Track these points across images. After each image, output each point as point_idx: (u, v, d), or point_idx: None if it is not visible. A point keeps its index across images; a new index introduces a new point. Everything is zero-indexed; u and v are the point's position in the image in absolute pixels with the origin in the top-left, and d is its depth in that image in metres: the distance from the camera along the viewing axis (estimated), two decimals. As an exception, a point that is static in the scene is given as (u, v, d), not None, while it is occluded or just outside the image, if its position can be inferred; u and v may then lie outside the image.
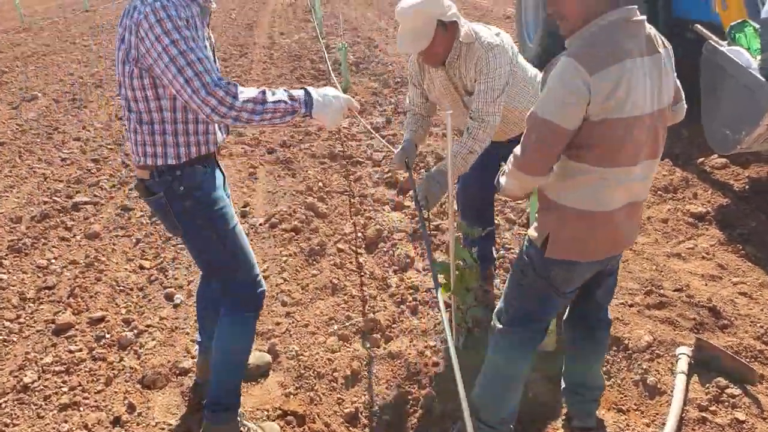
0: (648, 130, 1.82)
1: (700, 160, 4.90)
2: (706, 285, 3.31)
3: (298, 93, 2.00)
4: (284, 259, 3.90)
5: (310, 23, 14.59)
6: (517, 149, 1.87)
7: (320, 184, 4.99)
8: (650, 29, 1.83)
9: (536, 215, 2.06)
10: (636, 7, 1.80)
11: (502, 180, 2.01)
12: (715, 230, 3.88)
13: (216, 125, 2.24)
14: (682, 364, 2.68)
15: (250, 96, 1.89)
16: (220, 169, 2.41)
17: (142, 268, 3.95)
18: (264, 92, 1.92)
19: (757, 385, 2.58)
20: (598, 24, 1.77)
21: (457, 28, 2.63)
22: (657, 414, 2.53)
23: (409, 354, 2.96)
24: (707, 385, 2.61)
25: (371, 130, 5.16)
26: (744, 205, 4.16)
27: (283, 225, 4.31)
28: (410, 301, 3.40)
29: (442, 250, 3.88)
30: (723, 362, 2.65)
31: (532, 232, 2.06)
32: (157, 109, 2.03)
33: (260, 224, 4.39)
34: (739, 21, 4.21)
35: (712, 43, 4.34)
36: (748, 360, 2.72)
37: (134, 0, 1.96)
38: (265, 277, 3.69)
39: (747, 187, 4.44)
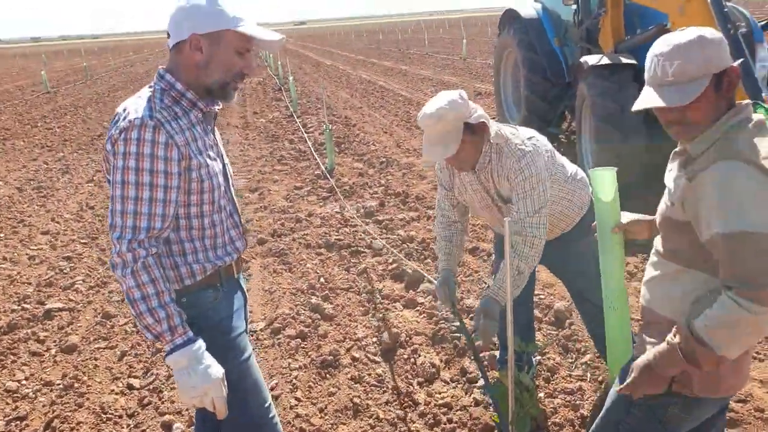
0: None
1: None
2: (768, 391, 3.03)
3: (183, 331, 1.71)
4: (294, 373, 3.47)
5: (282, 102, 14.58)
6: (741, 281, 1.45)
7: (322, 279, 4.63)
8: None
9: (648, 338, 1.74)
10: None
11: (724, 329, 1.48)
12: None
13: (232, 232, 1.97)
14: None
15: (140, 282, 1.67)
16: (241, 289, 2.07)
17: (131, 388, 3.45)
18: (158, 294, 1.68)
19: None
20: (729, 123, 1.55)
21: (485, 129, 2.44)
22: None
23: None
24: None
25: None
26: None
27: (287, 330, 3.90)
28: (444, 423, 3.01)
29: (469, 357, 3.52)
30: None
31: None
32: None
33: (261, 330, 3.97)
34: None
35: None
36: None
37: (125, 102, 1.76)
38: (276, 398, 3.25)
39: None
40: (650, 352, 1.62)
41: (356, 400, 3.21)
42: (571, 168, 2.75)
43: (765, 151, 1.48)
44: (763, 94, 4.36)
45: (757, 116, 1.59)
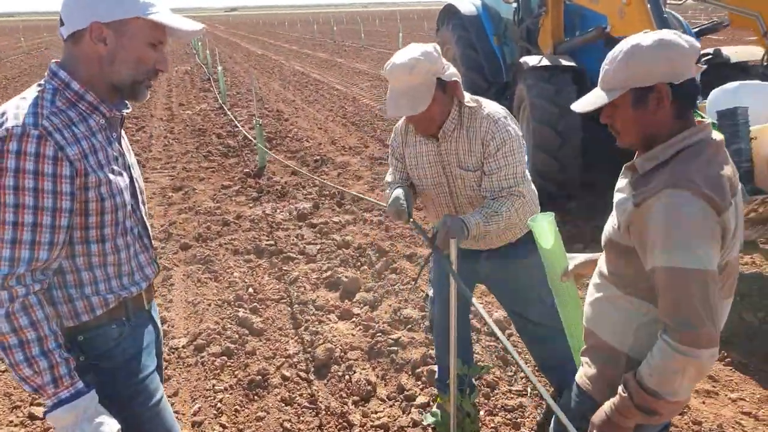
0: (735, 269, 1.53)
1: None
2: (704, 403, 3.02)
3: (70, 382, 1.45)
4: (218, 395, 3.20)
5: (211, 93, 14.00)
6: (675, 320, 1.38)
7: (251, 290, 4.34)
8: None
9: (589, 361, 1.66)
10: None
11: (667, 376, 1.39)
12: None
13: (141, 257, 1.71)
14: None
15: (17, 326, 1.39)
16: (153, 321, 1.81)
17: (32, 418, 3.09)
18: (40, 340, 1.41)
19: None
20: (682, 144, 1.45)
21: (458, 89, 2.25)
22: None
23: None
24: None
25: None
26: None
27: (211, 348, 3.61)
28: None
29: (407, 372, 3.36)
30: None
31: (584, 381, 1.67)
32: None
33: (183, 347, 3.67)
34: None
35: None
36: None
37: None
38: (198, 424, 2.99)
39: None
40: (607, 406, 1.51)
41: (286, 424, 2.98)
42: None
43: (719, 179, 1.40)
44: (698, 102, 4.41)
45: (717, 137, 1.49)
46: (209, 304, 4.16)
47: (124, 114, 1.65)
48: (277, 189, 6.72)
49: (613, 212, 1.60)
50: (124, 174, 1.62)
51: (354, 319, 3.93)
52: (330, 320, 3.92)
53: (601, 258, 1.70)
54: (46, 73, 1.52)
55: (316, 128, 10.14)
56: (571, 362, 2.80)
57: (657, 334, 1.43)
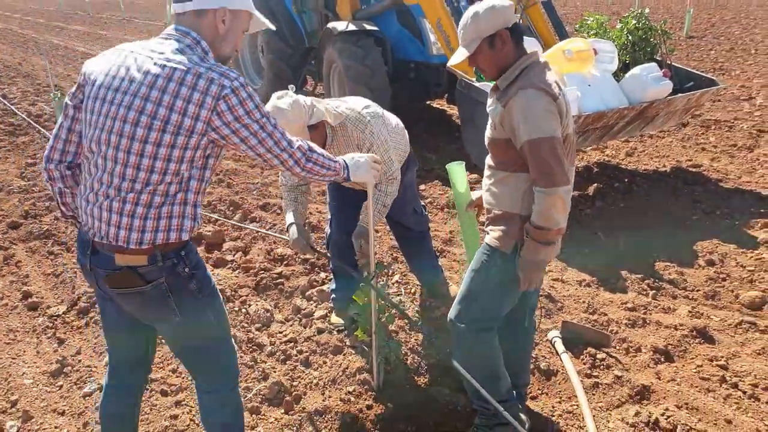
0: (572, 150, 2.27)
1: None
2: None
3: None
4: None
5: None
6: (540, 174, 2.07)
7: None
8: None
9: (495, 227, 2.31)
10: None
11: (548, 213, 2.09)
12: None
13: None
14: (560, 345, 3.22)
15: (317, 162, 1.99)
16: None
17: None
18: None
19: (613, 346, 3.27)
20: (523, 65, 2.18)
21: (323, 125, 2.76)
22: (560, 391, 2.98)
23: (336, 407, 2.86)
24: (581, 356, 3.19)
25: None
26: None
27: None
28: (295, 355, 3.26)
29: (297, 297, 3.79)
30: (586, 335, 3.28)
31: (494, 241, 2.30)
32: (195, 176, 1.76)
33: (64, 313, 3.61)
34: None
35: (466, 79, 5.20)
36: (600, 328, 3.40)
37: (182, 64, 1.69)
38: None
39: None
40: (522, 256, 2.19)
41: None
42: (394, 119, 3.19)
43: (550, 80, 2.14)
44: None
45: (542, 59, 2.25)
46: (75, 272, 4.06)
47: None
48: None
49: (489, 120, 2.28)
50: None
51: (230, 265, 4.20)
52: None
53: (488, 157, 2.37)
54: (173, 29, 1.78)
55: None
56: (435, 261, 3.68)
57: (522, 188, 2.16)
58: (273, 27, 2.06)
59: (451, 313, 2.47)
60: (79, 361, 3.20)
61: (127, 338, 2.07)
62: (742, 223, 4.64)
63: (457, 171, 2.86)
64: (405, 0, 6.37)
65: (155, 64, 1.68)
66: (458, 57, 2.26)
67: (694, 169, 5.79)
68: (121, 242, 1.73)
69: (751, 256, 4.17)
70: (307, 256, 3.48)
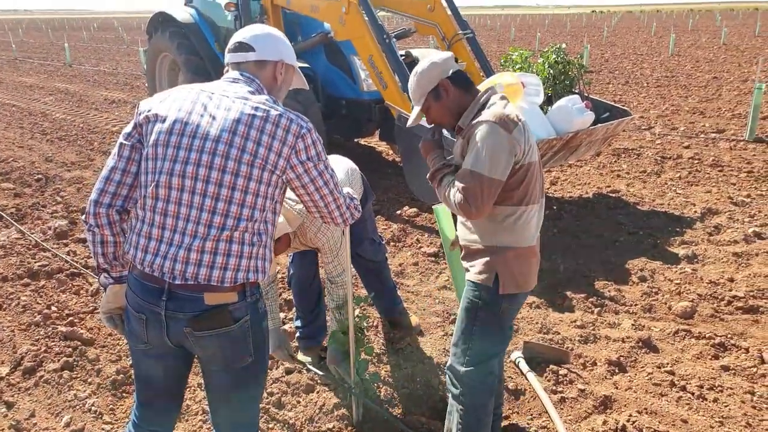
0: (540, 172, 2.43)
1: (398, 211, 5.94)
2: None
3: None
4: (89, 401, 3.13)
5: None
6: (463, 195, 2.19)
7: (54, 308, 4.07)
8: None
9: (475, 262, 2.41)
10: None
11: (445, 197, 2.31)
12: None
13: None
14: (524, 365, 3.38)
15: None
16: None
17: None
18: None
19: (573, 362, 3.47)
20: (479, 103, 2.34)
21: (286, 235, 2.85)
22: (530, 408, 3.13)
23: (318, 444, 2.86)
24: (544, 374, 3.36)
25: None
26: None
27: (47, 365, 3.41)
28: (267, 398, 3.22)
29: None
30: (547, 353, 3.47)
31: (476, 276, 2.38)
32: (271, 219, 1.82)
33: (7, 374, 3.37)
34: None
35: (404, 114, 5.40)
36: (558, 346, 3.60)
37: (262, 103, 1.80)
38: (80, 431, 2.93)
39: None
40: (430, 156, 2.48)
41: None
42: (343, 163, 3.26)
43: (508, 112, 2.25)
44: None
45: (500, 94, 2.40)
46: (13, 331, 3.80)
47: None
48: (10, 213, 6.04)
49: (455, 158, 2.40)
50: None
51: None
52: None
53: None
54: (241, 74, 1.88)
55: (16, 147, 9.05)
56: (395, 290, 3.81)
57: (511, 226, 2.29)
58: (307, 86, 2.23)
59: (450, 360, 2.48)
60: (35, 424, 3.00)
61: (165, 397, 2.01)
62: (663, 242, 5.09)
63: (446, 213, 2.97)
64: (335, 37, 6.52)
65: (235, 101, 1.76)
66: (414, 116, 2.44)
67: (613, 195, 6.28)
68: (215, 281, 1.71)
69: (676, 271, 4.57)
70: (287, 364, 3.46)
